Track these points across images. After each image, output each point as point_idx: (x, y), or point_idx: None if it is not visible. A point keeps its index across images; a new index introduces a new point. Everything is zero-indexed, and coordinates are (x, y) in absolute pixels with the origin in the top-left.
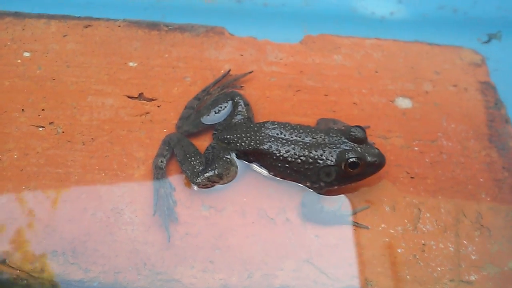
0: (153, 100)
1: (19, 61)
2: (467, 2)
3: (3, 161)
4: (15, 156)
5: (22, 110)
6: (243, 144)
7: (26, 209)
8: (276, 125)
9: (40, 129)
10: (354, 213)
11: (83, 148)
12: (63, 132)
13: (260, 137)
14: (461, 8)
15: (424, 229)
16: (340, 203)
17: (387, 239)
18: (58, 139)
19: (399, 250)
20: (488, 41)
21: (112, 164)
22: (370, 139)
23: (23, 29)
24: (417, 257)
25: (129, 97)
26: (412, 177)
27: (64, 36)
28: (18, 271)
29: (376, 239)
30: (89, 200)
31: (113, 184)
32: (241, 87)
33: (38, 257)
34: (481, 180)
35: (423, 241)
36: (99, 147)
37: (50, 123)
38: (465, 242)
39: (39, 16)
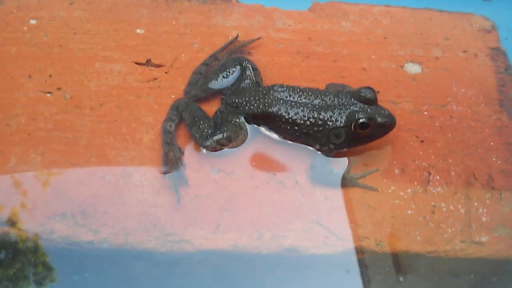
0: (160, 66)
1: (25, 28)
2: None
3: (10, 126)
4: (23, 121)
5: (29, 76)
6: (251, 107)
7: (34, 174)
8: (284, 88)
9: (48, 94)
10: (364, 175)
11: (91, 113)
12: (71, 97)
13: (269, 100)
14: None
15: (434, 191)
16: (349, 166)
17: (396, 201)
18: (66, 104)
19: (409, 212)
20: None
21: (121, 129)
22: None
23: None
24: (427, 218)
25: (136, 63)
26: (422, 141)
27: (71, 3)
28: (27, 233)
29: (385, 201)
30: (98, 163)
31: (122, 148)
32: (249, 53)
33: (47, 219)
34: (492, 143)
35: (433, 203)
36: (107, 112)
37: (58, 88)
38: (475, 204)
39: None
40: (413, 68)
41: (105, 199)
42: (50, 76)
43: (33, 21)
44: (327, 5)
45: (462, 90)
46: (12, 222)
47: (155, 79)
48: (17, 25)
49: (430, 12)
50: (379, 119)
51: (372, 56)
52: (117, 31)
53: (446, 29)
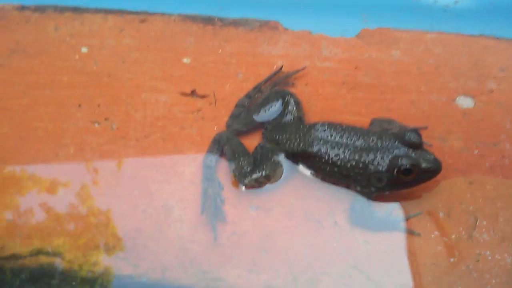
0: (205, 97)
1: (77, 56)
2: None
3: (59, 156)
4: (71, 152)
5: (79, 105)
6: (291, 145)
7: (80, 207)
8: (326, 127)
9: (96, 125)
10: (406, 219)
11: (137, 144)
12: (117, 128)
13: (310, 139)
14: None
15: (480, 238)
16: (391, 209)
17: (439, 248)
18: (112, 135)
19: (451, 260)
20: None
21: (164, 161)
22: (427, 141)
23: (81, 24)
24: (471, 267)
25: (182, 94)
26: (470, 183)
27: (121, 31)
28: (71, 264)
29: (428, 247)
30: (140, 196)
31: (164, 181)
32: (293, 84)
33: (91, 251)
34: None
35: (478, 251)
36: (151, 144)
37: (106, 119)
38: None
39: (97, 11)
40: (465, 102)
41: (146, 233)
42: (99, 105)
43: (84, 49)
44: (376, 32)
45: None
46: (60, 254)
47: (199, 110)
48: (69, 53)
49: (486, 40)
50: (423, 165)
51: (422, 88)
52: (164, 60)
53: (503, 59)
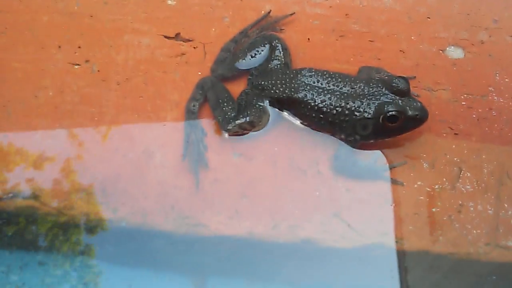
0: (189, 41)
1: None
2: None
3: (38, 98)
4: (51, 94)
5: (59, 46)
6: (277, 91)
7: (57, 147)
8: (313, 73)
9: (76, 66)
10: (390, 168)
11: (118, 88)
12: (98, 70)
13: (296, 85)
14: None
15: (463, 189)
16: (375, 157)
17: (422, 197)
18: (93, 78)
19: (434, 210)
20: None
21: (146, 106)
22: (414, 91)
23: None
24: (453, 218)
25: (165, 37)
26: (456, 134)
27: None
28: (49, 207)
29: (410, 196)
30: (121, 141)
31: (146, 126)
32: (281, 29)
33: (67, 194)
34: None
35: (460, 202)
36: (133, 88)
37: (86, 61)
38: (506, 205)
39: None
40: (455, 53)
41: (126, 177)
42: (79, 47)
43: None
44: None
45: (506, 80)
46: (35, 196)
47: (183, 54)
48: None
49: None
50: (409, 112)
51: (412, 37)
52: (147, 2)
53: (496, 10)
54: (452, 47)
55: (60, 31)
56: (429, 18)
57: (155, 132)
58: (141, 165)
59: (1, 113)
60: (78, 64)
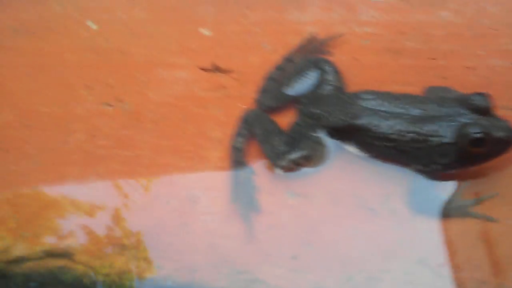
0: (229, 72)
1: (86, 34)
2: None
3: (69, 143)
4: (82, 138)
5: (89, 86)
6: (334, 119)
7: (92, 200)
8: (374, 95)
9: (108, 107)
10: (478, 202)
11: (154, 127)
12: (131, 110)
13: (355, 110)
14: None
15: None
16: (459, 191)
17: None
18: (126, 118)
19: None
20: None
21: (186, 146)
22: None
23: None
24: None
25: (202, 69)
26: None
27: (133, 3)
28: (85, 266)
29: (507, 235)
30: (161, 186)
31: (187, 168)
32: (329, 52)
33: (107, 252)
34: None
35: None
36: (170, 127)
37: (118, 100)
38: None
39: None
40: None
41: (169, 228)
42: (110, 86)
43: (93, 26)
44: None
45: None
46: (69, 254)
47: (222, 87)
48: (77, 30)
49: None
50: (497, 134)
51: (479, 52)
52: (181, 33)
53: None
54: None
55: (90, 70)
56: (495, 30)
57: (198, 174)
58: (185, 212)
59: (30, 164)
60: (110, 105)
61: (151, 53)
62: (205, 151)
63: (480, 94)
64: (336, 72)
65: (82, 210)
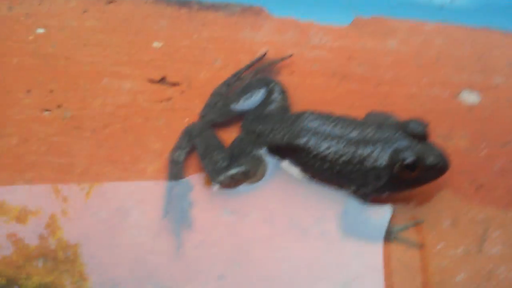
0: (176, 85)
1: (31, 37)
2: None
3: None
4: (14, 142)
5: (28, 91)
6: (275, 137)
7: (17, 205)
8: (316, 116)
9: (46, 112)
10: (406, 228)
11: (92, 136)
12: (71, 117)
13: (297, 130)
14: None
15: (491, 251)
16: (389, 215)
17: (444, 263)
18: (64, 125)
19: (458, 278)
20: None
21: (123, 156)
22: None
23: (39, 4)
24: (482, 286)
25: (150, 80)
26: (478, 187)
27: (84, 12)
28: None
29: (431, 261)
30: (93, 196)
31: (122, 179)
32: (278, 73)
33: (23, 262)
34: None
35: (489, 267)
36: (110, 136)
37: (58, 106)
38: None
39: None
40: (470, 97)
41: (95, 240)
42: (51, 91)
43: (40, 30)
44: (371, 21)
45: None
46: None
47: (169, 99)
48: (22, 34)
49: (490, 33)
50: (429, 160)
51: (422, 81)
52: (131, 44)
53: (510, 53)
54: (466, 91)
55: (31, 74)
56: (438, 61)
57: (133, 186)
58: (114, 225)
59: None
60: (48, 110)
61: (98, 61)
62: (142, 163)
63: (417, 121)
64: (283, 92)
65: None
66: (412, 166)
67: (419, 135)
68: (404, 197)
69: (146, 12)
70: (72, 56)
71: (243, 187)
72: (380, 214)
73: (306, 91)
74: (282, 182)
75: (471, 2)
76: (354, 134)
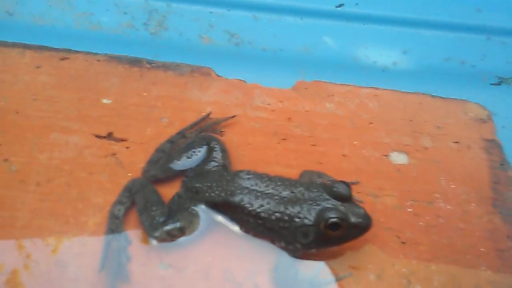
0: (122, 140)
1: None
2: (477, 55)
3: None
4: None
5: None
6: (212, 194)
7: None
8: (251, 175)
9: None
10: (334, 281)
11: (36, 189)
12: (17, 170)
13: (232, 188)
14: (469, 61)
15: None
16: (318, 269)
17: None
18: (10, 179)
19: None
20: (499, 83)
21: (65, 210)
22: (358, 197)
23: None
24: None
25: (96, 136)
26: (403, 242)
27: (38, 67)
28: None
29: None
30: (32, 249)
31: (62, 232)
32: (222, 132)
33: None
34: (482, 249)
35: None
36: (54, 189)
37: (5, 160)
38: None
39: (14, 45)
40: (398, 158)
41: None
42: None
43: None
44: (311, 85)
45: (452, 186)
46: None
47: (113, 154)
48: None
49: (421, 97)
50: (352, 220)
51: (355, 142)
52: (81, 100)
53: (438, 117)
54: (396, 152)
55: None
56: (371, 123)
57: (72, 239)
58: (51, 278)
59: None
60: None
61: (47, 116)
62: (83, 216)
63: (343, 182)
64: (223, 150)
65: None
66: (336, 226)
67: (344, 196)
68: (333, 252)
69: (99, 70)
70: (22, 110)
71: (181, 241)
72: (310, 269)
73: (247, 149)
74: (219, 236)
75: (412, 65)
76: (285, 193)
